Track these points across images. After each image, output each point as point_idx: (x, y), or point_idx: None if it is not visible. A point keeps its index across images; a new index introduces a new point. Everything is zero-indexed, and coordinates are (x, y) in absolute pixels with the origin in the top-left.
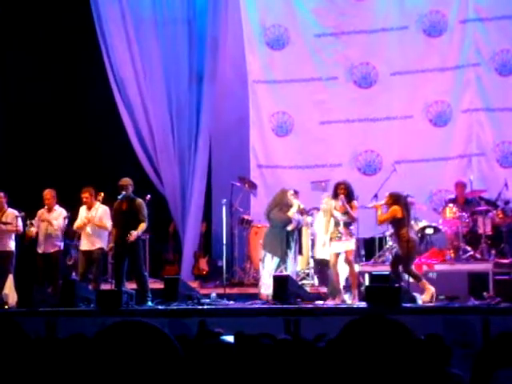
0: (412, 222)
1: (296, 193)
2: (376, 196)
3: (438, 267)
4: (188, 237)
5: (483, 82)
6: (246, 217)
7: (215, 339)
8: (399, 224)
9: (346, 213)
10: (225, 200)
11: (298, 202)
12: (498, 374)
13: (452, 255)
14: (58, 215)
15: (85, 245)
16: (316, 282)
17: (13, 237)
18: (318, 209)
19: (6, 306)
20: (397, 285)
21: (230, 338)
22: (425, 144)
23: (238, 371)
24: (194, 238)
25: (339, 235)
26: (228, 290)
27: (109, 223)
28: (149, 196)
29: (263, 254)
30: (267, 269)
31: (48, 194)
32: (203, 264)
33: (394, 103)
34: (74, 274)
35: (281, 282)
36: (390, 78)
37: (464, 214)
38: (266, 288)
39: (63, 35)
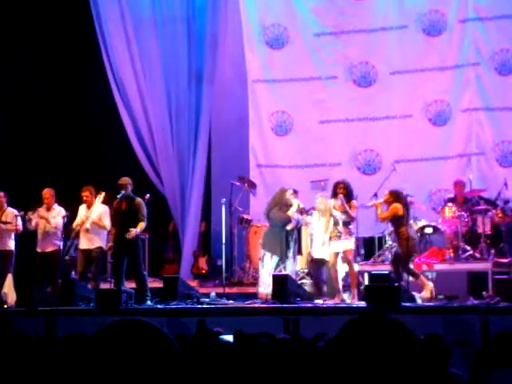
0: (411, 222)
1: (295, 192)
2: (376, 195)
3: (438, 267)
4: (187, 236)
5: (483, 82)
6: (245, 216)
7: (214, 338)
8: (399, 222)
9: (344, 212)
10: (224, 199)
11: (297, 202)
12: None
13: (451, 255)
14: (57, 214)
15: (84, 244)
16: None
17: (12, 236)
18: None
19: (6, 306)
20: (396, 284)
21: (229, 338)
22: (424, 143)
23: (237, 371)
24: (194, 237)
25: (338, 234)
26: (227, 290)
27: (108, 222)
28: (148, 195)
29: (262, 253)
30: (266, 268)
31: (47, 193)
32: (202, 263)
33: (393, 102)
34: (73, 273)
35: (280, 281)
36: (390, 77)
37: (463, 213)
38: (266, 287)
39: (63, 35)
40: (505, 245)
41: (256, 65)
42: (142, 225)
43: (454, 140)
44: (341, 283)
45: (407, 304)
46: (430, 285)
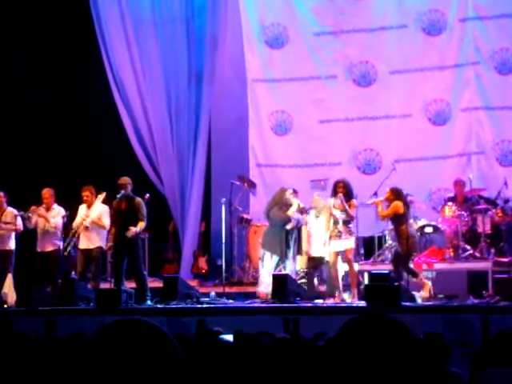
0: (411, 221)
1: (295, 192)
2: (376, 194)
3: (438, 266)
4: (187, 236)
5: (483, 81)
6: (245, 216)
7: (214, 338)
8: (400, 220)
9: (344, 211)
10: (224, 199)
11: (297, 201)
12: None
13: (451, 254)
14: (56, 214)
15: (84, 243)
16: (316, 280)
17: (12, 236)
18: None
19: (6, 305)
20: (396, 284)
21: (229, 337)
22: (424, 143)
23: (236, 370)
24: (194, 236)
25: (338, 234)
26: (227, 289)
27: (107, 222)
28: (148, 195)
29: (262, 252)
30: (266, 267)
31: (46, 193)
32: (202, 263)
33: (393, 102)
34: (73, 272)
35: (280, 280)
36: (389, 76)
37: (463, 212)
38: (266, 287)
39: (63, 36)
40: (505, 244)
41: (256, 64)
42: (141, 224)
43: (454, 139)
44: (341, 282)
45: (407, 303)
46: (429, 283)
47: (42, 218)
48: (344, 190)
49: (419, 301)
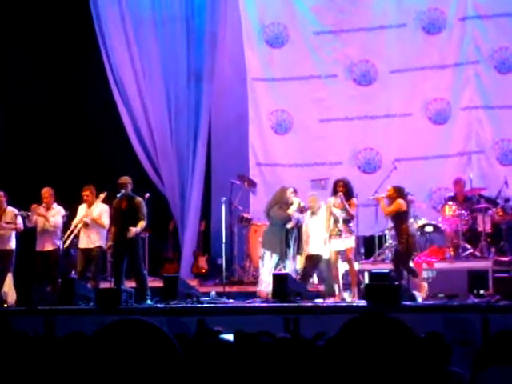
0: (411, 220)
1: (295, 191)
2: (376, 193)
3: (438, 265)
4: (187, 235)
5: (482, 80)
6: (245, 215)
7: (214, 338)
8: (401, 218)
9: (344, 210)
10: (224, 198)
11: (298, 200)
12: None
13: (452, 253)
14: (56, 213)
15: (84, 243)
16: (316, 280)
17: (13, 235)
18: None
19: (5, 305)
20: (397, 283)
21: (230, 337)
22: (424, 142)
23: (237, 370)
24: (194, 236)
25: (339, 233)
26: (227, 289)
27: (107, 221)
28: (148, 194)
29: (262, 251)
30: (267, 267)
31: (46, 192)
32: (202, 262)
33: (393, 101)
34: (73, 272)
35: (280, 280)
36: (390, 75)
37: (463, 211)
38: (266, 286)
39: (63, 35)
40: (505, 243)
41: (256, 63)
42: (142, 224)
43: (454, 138)
44: (341, 282)
45: (407, 303)
46: (425, 286)
47: (41, 217)
48: (344, 189)
49: (419, 300)
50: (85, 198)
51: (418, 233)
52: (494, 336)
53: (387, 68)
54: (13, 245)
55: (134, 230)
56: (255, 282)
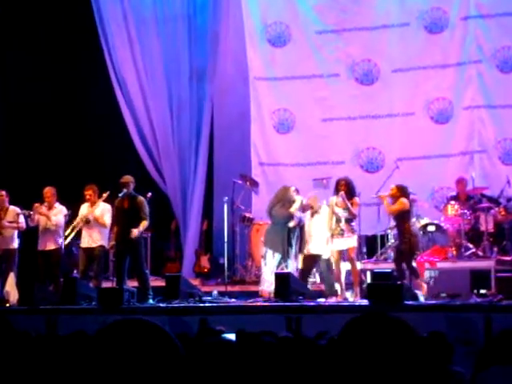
0: (414, 220)
1: (297, 191)
2: (379, 192)
3: (440, 265)
4: (189, 234)
5: (485, 79)
6: (247, 214)
7: (216, 337)
8: (405, 217)
9: (346, 209)
10: (226, 198)
11: (300, 198)
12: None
13: (454, 253)
14: (58, 212)
15: (86, 242)
16: (318, 279)
17: (16, 234)
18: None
19: (8, 304)
20: (399, 282)
21: (232, 336)
22: (426, 141)
23: (239, 369)
24: (196, 235)
25: (341, 232)
26: (229, 288)
27: (108, 220)
28: (150, 193)
29: (264, 250)
30: (269, 266)
31: (48, 191)
32: (204, 262)
33: (395, 100)
34: (75, 271)
35: (282, 279)
36: (392, 74)
37: (466, 211)
38: (268, 285)
39: (65, 34)
40: (507, 243)
41: (258, 62)
42: (144, 223)
43: (456, 138)
44: (343, 281)
45: (410, 302)
46: (425, 287)
47: (43, 217)
48: (346, 188)
49: (422, 299)
50: (87, 197)
51: (421, 232)
52: (497, 335)
53: (389, 67)
54: (15, 244)
55: (136, 232)
56: (257, 282)
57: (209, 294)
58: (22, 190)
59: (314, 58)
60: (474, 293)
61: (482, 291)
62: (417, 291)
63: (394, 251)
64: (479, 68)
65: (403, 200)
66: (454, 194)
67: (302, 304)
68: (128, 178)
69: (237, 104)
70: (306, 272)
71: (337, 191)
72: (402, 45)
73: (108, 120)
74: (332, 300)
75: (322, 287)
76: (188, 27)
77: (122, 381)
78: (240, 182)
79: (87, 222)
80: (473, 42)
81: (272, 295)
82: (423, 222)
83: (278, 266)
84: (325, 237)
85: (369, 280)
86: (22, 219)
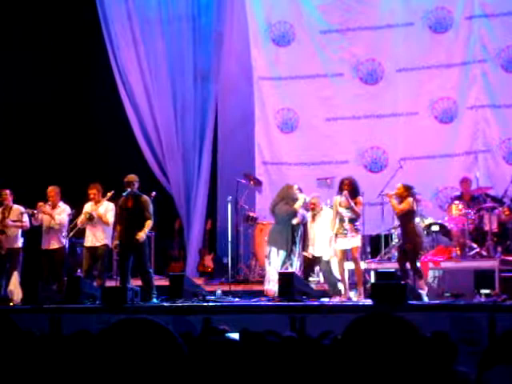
0: (418, 219)
1: (299, 190)
2: (383, 192)
3: (444, 264)
4: (193, 234)
5: (489, 79)
6: (251, 214)
7: (220, 336)
8: (410, 217)
9: (349, 208)
10: (230, 197)
11: (303, 196)
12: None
13: (458, 252)
14: (62, 211)
15: (89, 241)
16: (321, 279)
17: (20, 234)
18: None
19: (12, 303)
20: (403, 282)
21: (235, 336)
22: (430, 141)
23: (243, 369)
24: (199, 234)
25: (344, 232)
26: (233, 287)
27: (111, 219)
28: (154, 193)
29: (269, 249)
30: (274, 264)
31: (52, 191)
32: (208, 261)
33: (399, 100)
34: (79, 270)
35: (286, 279)
36: (396, 74)
37: (470, 211)
38: (274, 284)
39: (70, 34)
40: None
41: (262, 62)
42: (149, 223)
43: (461, 137)
44: (347, 281)
45: (414, 302)
46: (426, 289)
47: (47, 216)
48: (349, 188)
49: (425, 299)
50: (91, 196)
51: (425, 232)
52: (501, 335)
53: (394, 67)
54: (20, 243)
55: (142, 235)
56: (261, 281)
57: (212, 293)
58: (25, 189)
59: (318, 57)
60: (477, 292)
61: (486, 291)
62: (420, 291)
63: (398, 251)
64: (484, 67)
65: (410, 200)
66: (458, 193)
67: (305, 304)
68: (132, 177)
69: (241, 104)
70: (306, 273)
71: (340, 191)
72: (407, 44)
73: (112, 120)
74: (336, 300)
75: (326, 287)
76: (192, 27)
77: (126, 380)
78: (244, 181)
79: (91, 218)
80: (477, 42)
81: (276, 294)
82: (427, 221)
83: (282, 265)
84: (326, 239)
85: (373, 280)
86: (25, 218)
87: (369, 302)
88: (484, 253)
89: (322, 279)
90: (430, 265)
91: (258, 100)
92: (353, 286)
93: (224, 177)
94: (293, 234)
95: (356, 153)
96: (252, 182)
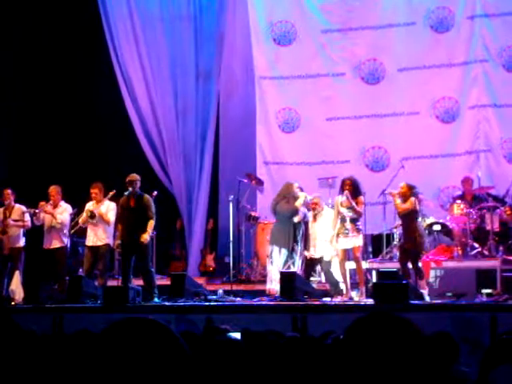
0: (420, 219)
1: (300, 188)
2: (383, 193)
3: (446, 264)
4: (195, 233)
5: (491, 79)
6: (252, 213)
7: (222, 336)
8: (413, 216)
9: (351, 208)
10: (232, 196)
11: (304, 194)
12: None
13: (459, 252)
14: (63, 211)
15: (91, 240)
16: (323, 278)
17: (22, 233)
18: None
19: (13, 303)
20: (404, 282)
21: (237, 335)
22: (432, 140)
23: (245, 368)
24: (201, 234)
25: (346, 231)
26: (235, 287)
27: (112, 218)
28: (155, 192)
29: (271, 249)
30: (276, 264)
31: (53, 190)
32: (210, 260)
33: (401, 99)
34: (80, 270)
35: (288, 278)
36: (397, 74)
37: (471, 210)
38: (276, 283)
39: (71, 33)
40: None
41: (263, 61)
42: (151, 223)
43: (462, 137)
44: (349, 281)
45: (415, 302)
46: (427, 289)
47: (48, 215)
48: (350, 188)
49: (427, 299)
50: (93, 195)
51: (426, 231)
52: (502, 335)
53: (395, 66)
54: (22, 243)
55: (146, 237)
56: (263, 281)
57: (214, 292)
58: (27, 188)
59: (320, 56)
60: (479, 292)
61: (488, 291)
62: (422, 290)
63: (399, 250)
64: (485, 67)
65: (413, 199)
66: (459, 193)
67: (307, 303)
68: (135, 177)
69: (242, 103)
70: (308, 272)
71: (342, 191)
72: (408, 44)
73: (114, 119)
74: (337, 299)
75: (327, 286)
76: (194, 27)
77: (128, 380)
78: (245, 181)
79: (92, 216)
80: (479, 42)
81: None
82: (429, 221)
83: (285, 264)
84: (328, 239)
85: (374, 279)
86: (27, 217)
87: (370, 301)
88: (485, 252)
89: (323, 279)
90: (432, 264)
91: (259, 100)
92: (354, 285)
93: (226, 176)
94: (294, 233)
95: (357, 152)
96: (254, 182)
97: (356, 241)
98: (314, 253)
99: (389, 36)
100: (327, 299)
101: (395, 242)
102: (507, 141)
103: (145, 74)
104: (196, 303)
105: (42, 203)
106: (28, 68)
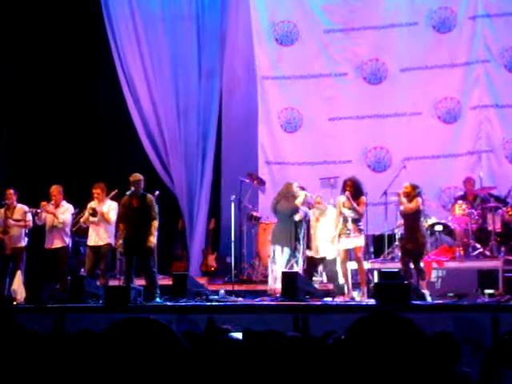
0: (422, 219)
1: (301, 188)
2: (385, 193)
3: (448, 264)
4: (196, 233)
5: (492, 79)
6: (254, 213)
7: (224, 336)
8: (416, 217)
9: (352, 209)
10: (233, 196)
11: (304, 192)
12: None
13: (461, 252)
14: (65, 210)
15: (92, 240)
16: (325, 278)
17: (24, 233)
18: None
19: (15, 302)
20: (406, 282)
21: (238, 335)
22: (434, 141)
23: (246, 368)
24: (203, 234)
25: (347, 232)
26: (236, 287)
27: (113, 218)
28: (157, 192)
29: (273, 249)
30: (279, 263)
31: (55, 190)
32: (211, 260)
33: (403, 100)
34: (82, 269)
35: (289, 278)
36: (400, 74)
37: (473, 210)
38: (279, 283)
39: (73, 33)
40: None
41: (265, 61)
42: (155, 224)
43: (464, 137)
44: (350, 281)
45: (417, 302)
46: (429, 289)
47: (50, 215)
48: (352, 188)
49: (429, 299)
50: (95, 195)
51: (428, 232)
52: (504, 336)
53: (397, 66)
54: (24, 243)
55: (153, 240)
56: (264, 281)
57: (216, 292)
58: (29, 188)
59: (322, 56)
60: (480, 292)
61: (490, 291)
62: (424, 291)
63: (401, 250)
64: (487, 68)
65: (419, 199)
66: (461, 193)
67: (309, 303)
68: (138, 176)
69: (244, 103)
70: (309, 272)
71: (344, 191)
72: (410, 44)
73: (116, 118)
74: (339, 299)
75: (329, 287)
76: (196, 26)
77: (129, 380)
78: (247, 180)
79: (93, 214)
80: (480, 42)
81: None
82: (431, 221)
83: (287, 263)
84: (330, 237)
85: (376, 279)
86: (29, 217)
87: (372, 301)
88: (487, 253)
89: (325, 279)
90: (434, 265)
91: (261, 99)
92: (356, 285)
93: (227, 176)
94: (296, 231)
95: (359, 152)
96: (255, 182)
97: (358, 241)
98: (316, 253)
99: (391, 36)
100: (329, 299)
101: (397, 243)
102: (509, 141)
103: (147, 74)
104: (197, 303)
105: (44, 203)
106: (28, 68)
